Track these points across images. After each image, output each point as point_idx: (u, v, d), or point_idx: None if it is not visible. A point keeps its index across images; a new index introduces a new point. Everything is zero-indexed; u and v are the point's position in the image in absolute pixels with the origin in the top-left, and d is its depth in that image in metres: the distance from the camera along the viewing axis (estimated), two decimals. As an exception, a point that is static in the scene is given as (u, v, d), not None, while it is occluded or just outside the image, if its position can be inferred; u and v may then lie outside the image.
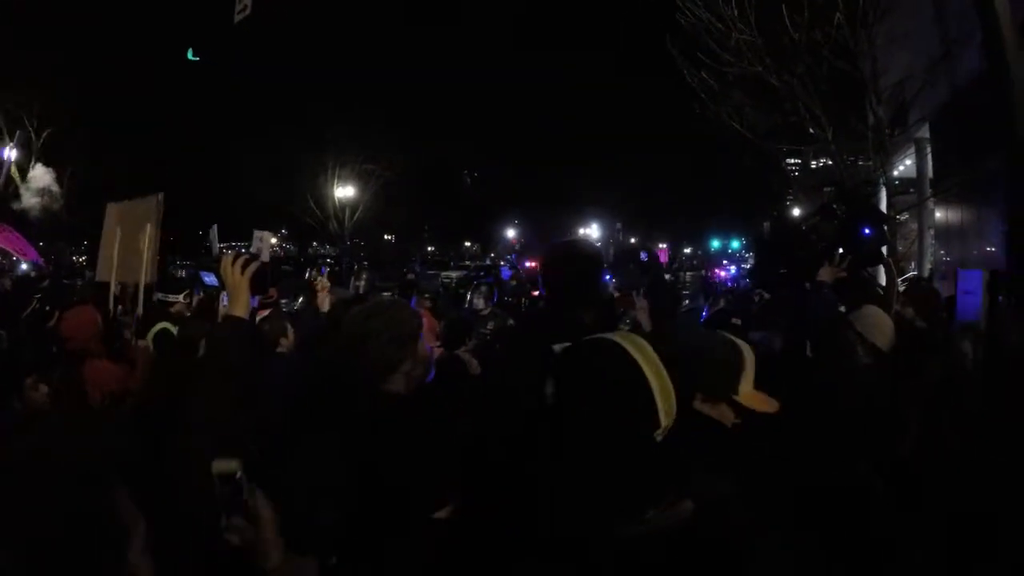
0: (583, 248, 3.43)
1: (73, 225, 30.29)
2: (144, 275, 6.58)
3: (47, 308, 7.59)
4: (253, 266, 2.54)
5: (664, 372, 1.70)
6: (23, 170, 27.36)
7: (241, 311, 2.47)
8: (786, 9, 12.95)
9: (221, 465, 1.65)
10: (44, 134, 28.47)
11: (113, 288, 6.81)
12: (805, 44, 13.22)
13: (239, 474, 1.67)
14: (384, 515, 2.27)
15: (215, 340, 2.52)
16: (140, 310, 6.35)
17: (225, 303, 4.26)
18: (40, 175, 27.11)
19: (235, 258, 2.54)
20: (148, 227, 6.72)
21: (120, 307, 6.72)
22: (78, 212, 29.74)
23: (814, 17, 12.96)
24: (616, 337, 1.80)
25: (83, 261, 32.87)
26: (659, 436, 1.66)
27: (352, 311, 2.80)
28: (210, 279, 3.12)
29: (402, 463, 2.32)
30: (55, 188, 27.39)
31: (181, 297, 6.76)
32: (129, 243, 6.86)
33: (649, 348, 1.75)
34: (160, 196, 6.97)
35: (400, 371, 2.63)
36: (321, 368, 3.15)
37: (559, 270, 3.24)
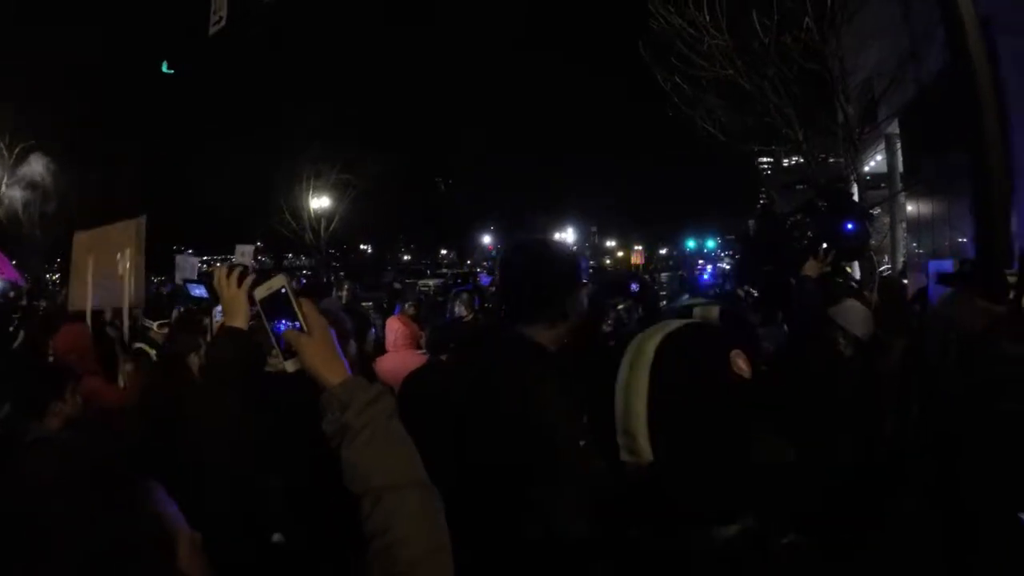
0: (553, 251, 2.78)
1: (45, 242, 30.02)
2: (127, 297, 6.59)
3: (36, 330, 7.64)
4: (249, 278, 2.56)
5: (638, 400, 1.46)
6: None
7: (240, 323, 2.51)
8: (756, 14, 13.16)
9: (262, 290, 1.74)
10: (16, 149, 28.09)
11: (89, 311, 6.81)
12: (775, 47, 13.44)
13: (284, 288, 1.72)
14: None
15: (218, 351, 2.56)
16: (126, 331, 6.35)
17: (218, 317, 4.30)
18: (32, 165, 26.96)
19: (228, 271, 2.56)
20: (128, 251, 6.74)
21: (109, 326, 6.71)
22: (50, 228, 29.53)
23: (783, 20, 13.18)
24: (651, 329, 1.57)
25: (56, 279, 32.47)
26: (630, 472, 1.47)
27: None
28: (199, 291, 3.15)
29: None
30: (47, 179, 27.14)
31: (155, 326, 6.77)
32: (104, 269, 6.86)
33: (644, 361, 1.50)
34: (143, 219, 7.01)
35: None
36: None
37: (518, 278, 2.68)
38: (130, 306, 6.60)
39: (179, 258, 2.84)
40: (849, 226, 4.83)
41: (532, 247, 2.79)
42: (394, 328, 6.72)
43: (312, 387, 2.59)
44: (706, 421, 1.46)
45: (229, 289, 2.53)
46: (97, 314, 6.85)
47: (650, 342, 1.49)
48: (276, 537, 2.54)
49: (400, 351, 6.34)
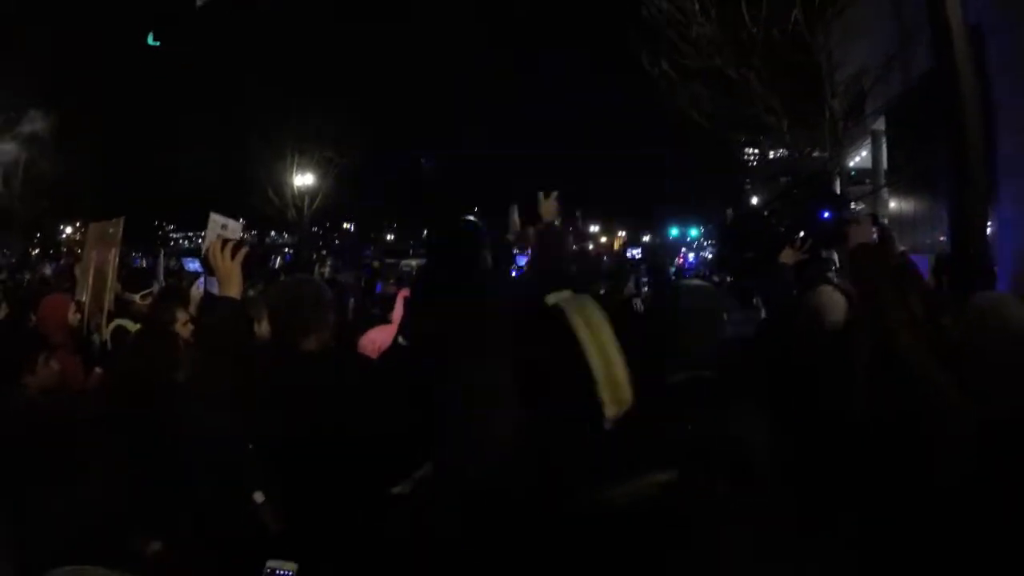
0: (461, 224, 3.54)
1: (25, 218, 29.76)
2: (106, 305, 6.59)
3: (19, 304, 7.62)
4: (243, 251, 2.74)
5: (614, 354, 1.57)
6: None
7: (235, 293, 2.68)
8: (745, 4, 13.20)
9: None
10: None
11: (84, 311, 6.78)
12: (763, 38, 13.48)
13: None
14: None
15: (216, 319, 2.72)
16: (106, 336, 6.24)
17: (201, 287, 4.35)
18: (32, 120, 26.74)
19: (223, 245, 2.72)
20: (112, 253, 6.79)
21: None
22: (29, 204, 29.26)
23: (772, 12, 13.22)
24: (567, 306, 1.66)
25: (36, 253, 32.18)
26: (608, 424, 1.55)
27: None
28: (194, 265, 3.22)
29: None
30: (46, 135, 26.92)
31: (138, 297, 6.77)
32: (97, 276, 6.86)
33: (602, 323, 1.61)
34: (121, 220, 7.09)
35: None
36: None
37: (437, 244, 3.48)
38: (107, 310, 6.59)
39: (216, 217, 2.87)
40: (825, 214, 4.89)
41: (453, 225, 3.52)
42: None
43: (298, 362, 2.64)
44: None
45: (224, 261, 2.70)
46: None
47: (594, 311, 1.62)
48: (257, 496, 2.62)
49: (395, 325, 6.16)
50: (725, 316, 2.80)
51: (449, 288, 3.32)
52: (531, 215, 4.14)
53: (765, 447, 2.18)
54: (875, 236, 3.31)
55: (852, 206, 15.25)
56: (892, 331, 2.57)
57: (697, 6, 13.88)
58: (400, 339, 3.60)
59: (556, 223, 3.84)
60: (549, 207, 3.81)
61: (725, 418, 2.20)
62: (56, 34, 30.27)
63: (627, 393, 1.53)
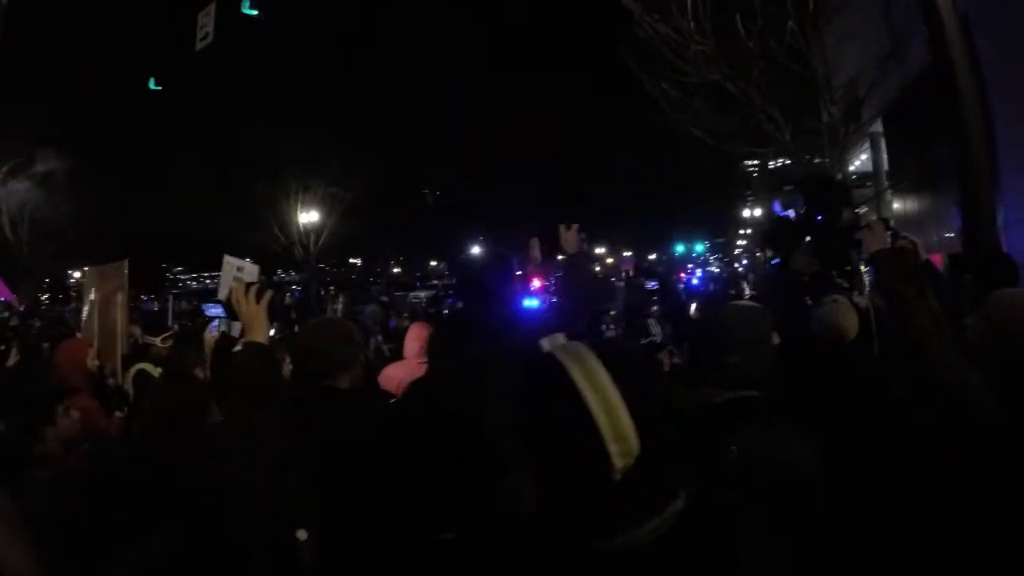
0: (487, 257, 3.74)
1: (34, 264, 29.97)
2: (120, 349, 6.61)
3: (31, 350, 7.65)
4: (267, 295, 2.72)
5: (618, 406, 1.49)
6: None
7: (262, 338, 2.65)
8: (740, 18, 13.29)
9: None
10: (4, 168, 28.00)
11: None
12: (759, 50, 13.56)
13: None
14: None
15: (244, 366, 2.64)
16: (120, 379, 6.27)
17: (214, 331, 4.34)
18: (41, 162, 27.09)
19: (246, 289, 2.69)
20: (119, 296, 6.81)
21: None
22: (38, 250, 29.50)
23: (767, 23, 13.31)
24: (565, 359, 1.58)
25: (47, 299, 32.38)
26: (618, 476, 1.49)
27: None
28: (215, 310, 3.21)
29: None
30: (52, 179, 27.17)
31: (159, 340, 6.80)
32: (104, 317, 6.89)
33: (601, 374, 1.51)
34: (125, 263, 7.11)
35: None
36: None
37: (467, 279, 3.61)
38: (121, 356, 6.61)
39: (231, 259, 2.84)
40: (819, 217, 4.77)
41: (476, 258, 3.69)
42: (423, 335, 6.24)
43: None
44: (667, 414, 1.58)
45: (248, 306, 2.68)
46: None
47: (592, 363, 1.55)
48: (301, 534, 2.60)
49: (411, 360, 5.98)
50: (775, 339, 2.79)
51: (483, 327, 3.36)
52: (551, 246, 4.21)
53: (813, 468, 2.21)
54: (889, 240, 3.27)
55: (857, 211, 15.28)
56: (921, 340, 2.55)
57: (693, 24, 13.95)
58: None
59: (579, 255, 3.85)
60: (571, 239, 3.82)
61: (773, 439, 2.24)
62: (59, 80, 30.63)
63: (634, 445, 1.48)
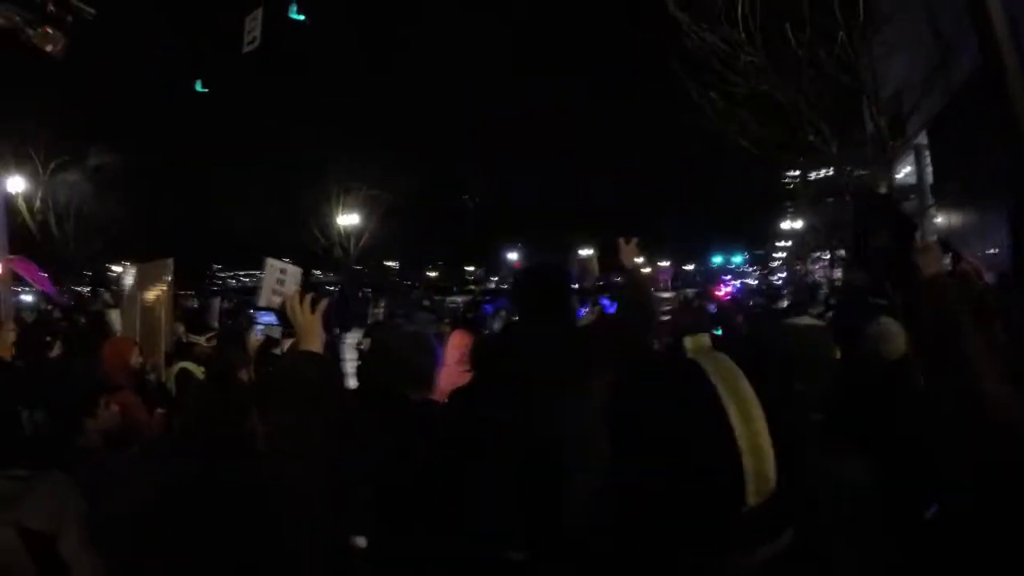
0: (548, 268, 3.68)
1: (78, 259, 30.57)
2: (163, 346, 6.74)
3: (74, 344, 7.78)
4: (322, 304, 2.68)
5: (768, 452, 1.33)
6: (29, 202, 27.90)
7: (317, 347, 2.60)
8: (790, 28, 13.17)
9: None
10: (51, 165, 28.62)
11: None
12: (808, 60, 13.43)
13: None
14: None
15: (300, 375, 2.59)
16: (163, 376, 6.39)
17: (259, 335, 4.35)
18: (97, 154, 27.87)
19: (301, 298, 2.66)
20: (164, 294, 6.99)
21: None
22: (82, 245, 30.10)
23: (815, 33, 13.19)
24: (707, 367, 1.41)
25: (88, 292, 33.00)
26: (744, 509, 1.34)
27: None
28: (268, 318, 3.19)
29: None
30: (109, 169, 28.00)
31: (203, 340, 6.91)
32: (148, 315, 7.04)
33: (756, 410, 1.33)
34: (170, 261, 7.29)
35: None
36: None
37: (526, 289, 3.59)
38: (165, 352, 6.74)
39: (273, 262, 2.83)
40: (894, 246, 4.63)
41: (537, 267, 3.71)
42: (464, 343, 6.09)
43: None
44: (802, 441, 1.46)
45: (304, 315, 2.63)
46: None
47: (735, 377, 1.37)
48: (360, 541, 2.59)
49: (451, 367, 5.83)
50: (837, 354, 2.75)
51: (548, 330, 3.40)
52: (610, 260, 4.20)
53: (872, 492, 2.19)
54: (948, 264, 3.02)
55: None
56: (976, 376, 2.43)
57: (744, 35, 13.85)
58: None
59: (639, 268, 3.83)
60: (630, 252, 3.79)
61: (836, 463, 2.19)
62: (109, 79, 31.27)
63: (771, 486, 1.32)
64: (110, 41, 32.22)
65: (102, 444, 3.78)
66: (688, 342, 1.51)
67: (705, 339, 1.52)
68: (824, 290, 12.87)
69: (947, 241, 2.99)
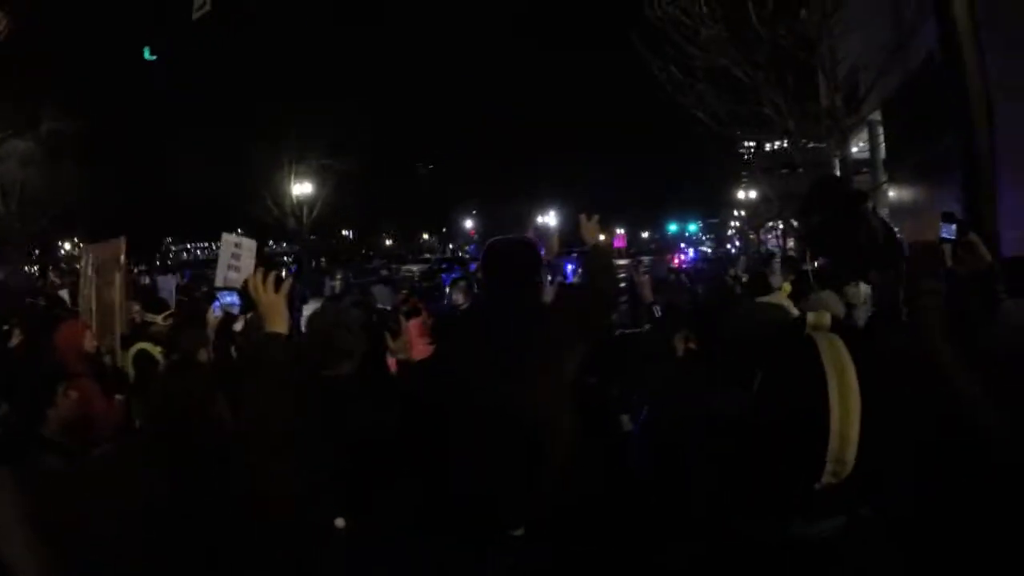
0: (517, 244, 3.65)
1: (24, 234, 29.67)
2: (118, 328, 6.60)
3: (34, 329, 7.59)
4: (286, 284, 2.58)
5: (854, 439, 1.39)
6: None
7: (282, 327, 2.52)
8: (751, 4, 13.23)
9: None
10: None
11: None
12: (768, 36, 13.52)
13: None
14: None
15: (268, 358, 2.52)
16: (119, 360, 6.28)
17: (216, 311, 4.27)
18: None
19: (264, 277, 2.56)
20: (116, 275, 6.82)
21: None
22: (30, 220, 29.19)
23: (777, 10, 13.26)
24: (821, 344, 1.47)
25: (36, 271, 32.05)
26: (817, 486, 1.42)
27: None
28: (230, 298, 3.10)
29: None
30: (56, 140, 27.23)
31: (160, 319, 6.77)
32: (101, 296, 6.92)
33: (854, 397, 1.40)
34: (123, 239, 7.12)
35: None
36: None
37: (496, 266, 3.55)
38: (120, 334, 6.61)
39: (229, 237, 2.75)
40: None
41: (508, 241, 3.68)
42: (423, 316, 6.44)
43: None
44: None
45: (268, 295, 2.53)
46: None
47: (844, 365, 1.43)
48: (339, 522, 2.57)
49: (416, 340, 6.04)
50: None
51: (521, 302, 3.41)
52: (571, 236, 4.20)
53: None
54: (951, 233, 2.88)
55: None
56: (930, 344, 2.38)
57: (704, 9, 13.87)
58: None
59: (600, 244, 3.82)
60: (592, 229, 3.80)
61: None
62: (53, 50, 30.26)
63: (848, 471, 1.38)
64: (63, 8, 31.22)
65: (64, 436, 3.66)
66: (811, 317, 1.59)
67: (826, 317, 1.58)
68: (777, 260, 13.06)
69: (953, 213, 2.92)
